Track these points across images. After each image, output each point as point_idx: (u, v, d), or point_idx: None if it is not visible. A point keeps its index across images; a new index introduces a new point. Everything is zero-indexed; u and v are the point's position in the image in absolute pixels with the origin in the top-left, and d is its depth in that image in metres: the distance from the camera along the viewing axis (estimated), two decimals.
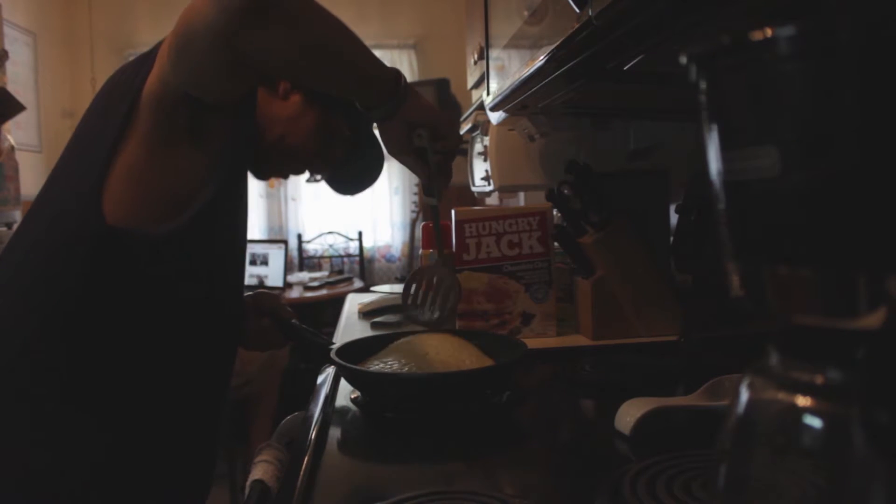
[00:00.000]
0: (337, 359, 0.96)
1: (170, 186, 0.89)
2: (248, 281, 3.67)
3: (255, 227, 4.43)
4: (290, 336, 1.13)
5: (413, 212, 4.44)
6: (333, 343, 1.07)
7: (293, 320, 1.14)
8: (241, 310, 1.12)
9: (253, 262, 3.74)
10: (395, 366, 0.96)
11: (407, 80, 0.92)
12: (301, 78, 0.93)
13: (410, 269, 4.25)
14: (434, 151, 0.93)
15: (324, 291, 3.63)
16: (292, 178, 4.31)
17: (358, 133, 1.09)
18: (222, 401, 1.07)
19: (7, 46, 3.31)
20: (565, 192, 1.26)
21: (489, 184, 1.73)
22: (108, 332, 0.88)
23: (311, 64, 0.85)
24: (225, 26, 0.78)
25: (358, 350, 1.03)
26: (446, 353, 0.99)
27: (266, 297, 1.18)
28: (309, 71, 0.86)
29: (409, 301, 1.00)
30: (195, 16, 0.80)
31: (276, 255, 3.70)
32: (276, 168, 1.08)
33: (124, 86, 0.91)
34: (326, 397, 0.98)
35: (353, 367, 0.94)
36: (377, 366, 0.97)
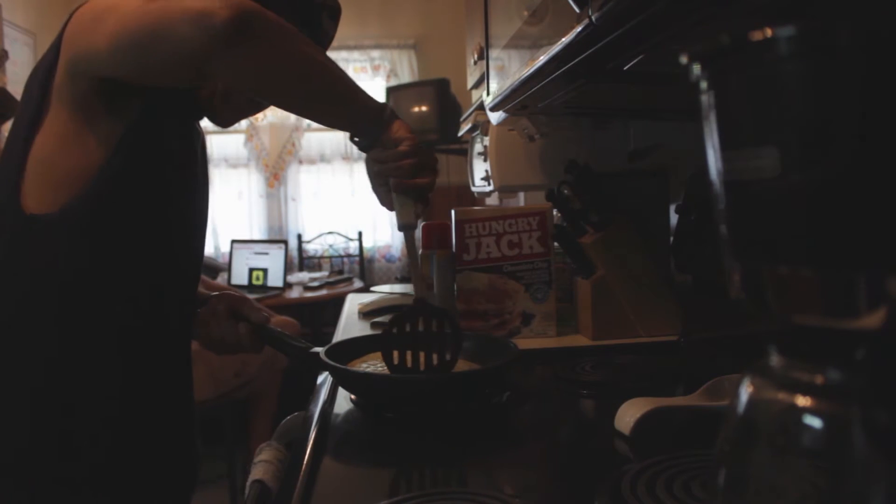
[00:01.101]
0: (326, 359, 0.96)
1: (80, 166, 0.87)
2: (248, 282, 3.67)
3: (255, 227, 4.43)
4: (266, 341, 1.10)
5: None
6: (312, 347, 1.04)
7: (268, 325, 1.10)
8: (193, 297, 1.08)
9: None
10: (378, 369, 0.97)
11: (393, 113, 0.93)
12: (266, 101, 0.93)
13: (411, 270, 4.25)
14: (386, 166, 0.93)
15: (324, 291, 3.63)
16: (292, 178, 4.35)
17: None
18: (187, 396, 1.05)
19: (7, 46, 3.31)
20: (565, 192, 1.26)
21: (489, 184, 1.73)
22: (45, 321, 0.88)
23: (278, 91, 0.86)
24: (200, 51, 0.77)
25: (348, 350, 1.04)
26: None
27: (236, 299, 1.13)
28: (275, 97, 0.88)
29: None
30: (168, 29, 0.77)
31: (276, 255, 3.70)
32: (237, 111, 1.05)
33: (37, 74, 0.91)
34: (326, 397, 0.98)
35: (339, 366, 0.94)
36: (365, 367, 0.97)
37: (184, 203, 0.99)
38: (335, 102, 0.89)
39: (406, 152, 0.93)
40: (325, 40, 1.06)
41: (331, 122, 0.95)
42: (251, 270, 3.71)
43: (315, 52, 0.86)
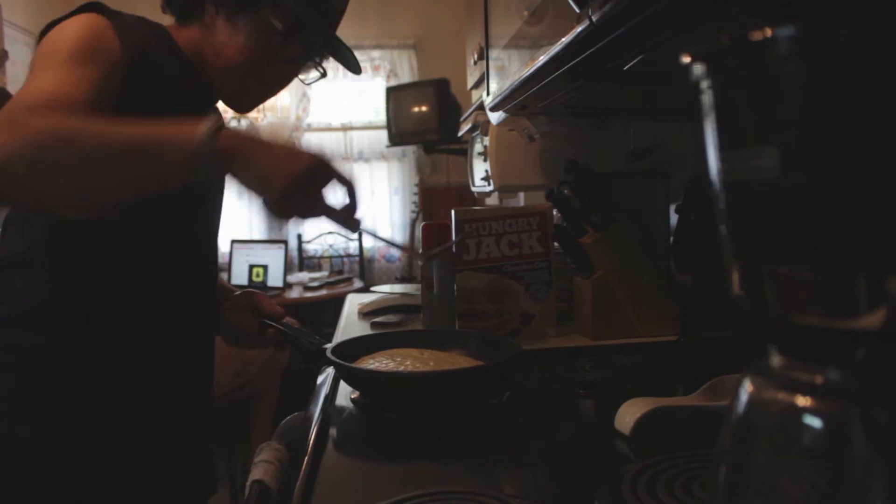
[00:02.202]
0: (333, 357, 0.96)
1: None
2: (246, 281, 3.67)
3: (255, 227, 4.43)
4: (285, 337, 1.12)
5: (413, 212, 4.43)
6: (326, 343, 1.07)
7: (285, 320, 1.13)
8: (211, 300, 1.10)
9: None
10: (391, 364, 0.97)
11: (217, 126, 0.76)
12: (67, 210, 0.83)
13: (410, 270, 4.25)
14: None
15: (324, 291, 3.63)
16: None
17: (294, 23, 0.98)
18: (207, 395, 1.06)
19: (7, 46, 3.31)
20: (565, 192, 1.26)
21: (489, 184, 1.73)
22: (73, 319, 0.89)
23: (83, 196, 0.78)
24: None
25: (354, 348, 1.04)
26: (440, 356, 1.01)
27: (257, 296, 1.16)
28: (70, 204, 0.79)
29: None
30: None
31: (276, 255, 3.70)
32: (252, 93, 1.03)
33: None
34: (326, 397, 0.98)
35: (347, 364, 0.95)
36: (371, 364, 0.98)
37: (200, 193, 1.00)
38: (141, 172, 0.77)
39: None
40: (333, 16, 1.04)
41: (158, 185, 0.80)
42: (251, 267, 3.71)
43: (93, 132, 0.74)
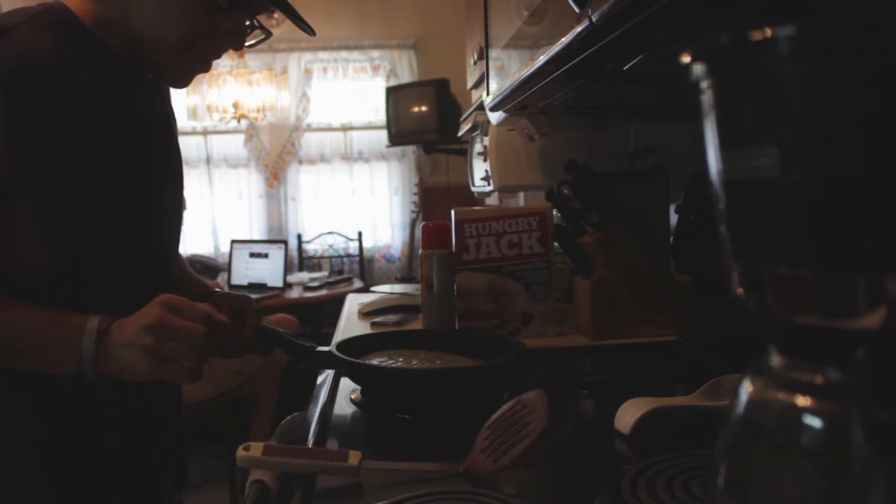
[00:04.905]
0: (338, 353, 0.96)
1: None
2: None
3: (255, 227, 4.43)
4: (271, 342, 1.07)
5: (413, 212, 4.43)
6: (317, 346, 1.03)
7: (271, 326, 1.07)
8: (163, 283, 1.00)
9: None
10: (395, 363, 0.97)
11: (104, 327, 0.78)
12: None
13: (410, 270, 4.25)
14: None
15: (324, 291, 3.63)
16: (292, 179, 4.35)
17: None
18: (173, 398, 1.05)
19: None
20: (565, 192, 1.26)
21: (489, 184, 1.73)
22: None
23: None
24: None
25: (355, 347, 1.04)
26: (445, 356, 1.02)
27: (240, 299, 1.07)
28: None
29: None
30: None
31: (275, 256, 3.70)
32: (189, 68, 0.95)
33: None
34: (326, 397, 0.98)
35: (353, 360, 0.95)
36: (377, 362, 0.99)
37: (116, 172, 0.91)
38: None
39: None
40: None
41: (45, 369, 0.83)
42: (251, 254, 3.72)
43: None
